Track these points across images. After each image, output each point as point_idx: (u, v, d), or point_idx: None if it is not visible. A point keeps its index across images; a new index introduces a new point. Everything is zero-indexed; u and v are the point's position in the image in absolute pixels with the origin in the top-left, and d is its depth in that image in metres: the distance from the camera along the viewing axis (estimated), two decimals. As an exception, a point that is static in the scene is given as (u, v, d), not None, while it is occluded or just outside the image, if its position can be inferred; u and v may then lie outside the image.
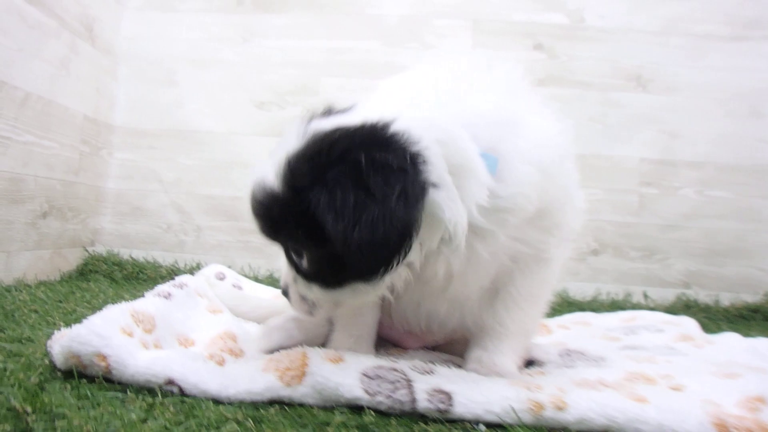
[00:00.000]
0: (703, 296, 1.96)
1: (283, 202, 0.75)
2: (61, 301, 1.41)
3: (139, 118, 2.06)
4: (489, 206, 0.77)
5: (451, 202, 0.74)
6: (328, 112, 0.83)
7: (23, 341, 1.00)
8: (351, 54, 2.02)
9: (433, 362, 0.86)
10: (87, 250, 1.96)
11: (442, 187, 0.74)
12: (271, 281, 1.84)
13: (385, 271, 0.74)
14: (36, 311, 1.26)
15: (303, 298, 0.86)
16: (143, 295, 1.06)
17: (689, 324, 1.36)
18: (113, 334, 0.83)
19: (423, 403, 0.73)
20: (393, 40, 2.03)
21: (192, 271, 1.63)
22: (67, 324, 1.16)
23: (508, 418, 0.71)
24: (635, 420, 0.69)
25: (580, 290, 1.95)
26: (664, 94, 2.03)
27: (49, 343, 0.88)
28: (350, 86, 2.01)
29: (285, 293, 0.88)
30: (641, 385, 0.83)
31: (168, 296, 1.05)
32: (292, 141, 0.77)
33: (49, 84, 1.69)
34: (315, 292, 0.82)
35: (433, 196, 0.73)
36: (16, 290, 1.47)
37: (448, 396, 0.74)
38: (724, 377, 0.86)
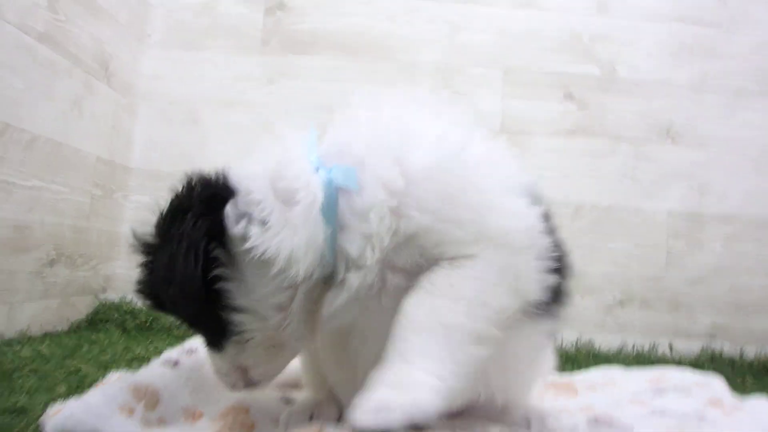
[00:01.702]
0: (728, 349, 1.92)
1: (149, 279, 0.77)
2: (66, 357, 1.33)
3: (158, 160, 2.02)
4: (348, 224, 0.70)
5: (271, 234, 0.68)
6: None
7: (16, 412, 0.91)
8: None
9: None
10: (98, 298, 1.89)
11: (255, 214, 0.70)
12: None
13: (218, 321, 0.73)
14: (36, 371, 1.19)
15: (219, 372, 0.81)
16: (148, 362, 0.97)
17: (717, 385, 1.29)
18: (111, 413, 0.76)
19: None
20: (424, 86, 1.99)
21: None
22: (69, 387, 1.08)
23: None
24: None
25: (606, 342, 1.90)
26: (695, 149, 1.99)
27: (42, 419, 0.81)
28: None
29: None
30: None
31: (176, 365, 0.96)
32: None
33: (59, 125, 1.66)
34: (214, 359, 0.80)
35: (241, 228, 0.69)
36: (17, 344, 1.39)
37: None
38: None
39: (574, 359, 1.71)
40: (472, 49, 2.01)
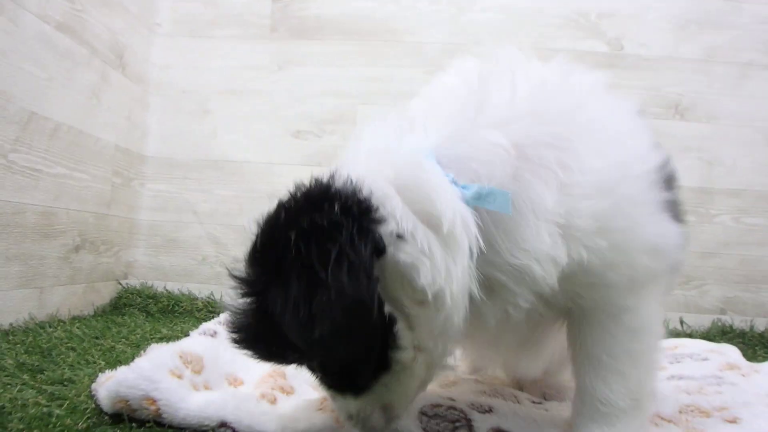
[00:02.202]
0: (739, 322, 1.95)
1: (257, 324, 0.60)
2: (98, 338, 1.38)
3: (172, 149, 2.05)
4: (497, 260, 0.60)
5: (424, 259, 0.57)
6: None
7: (65, 383, 0.97)
8: (390, 82, 2.01)
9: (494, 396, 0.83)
10: (121, 284, 1.94)
11: (409, 239, 0.57)
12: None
13: (369, 356, 0.59)
14: (73, 349, 1.23)
15: (350, 417, 0.68)
16: (188, 335, 1.01)
17: (732, 352, 1.34)
18: (162, 378, 0.80)
19: None
20: (433, 68, 1.99)
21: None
22: (107, 362, 1.13)
23: None
24: None
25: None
26: (704, 122, 2.01)
27: (93, 386, 0.85)
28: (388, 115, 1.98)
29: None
30: (697, 418, 0.83)
31: (214, 335, 1.00)
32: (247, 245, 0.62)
33: (80, 114, 1.69)
34: (352, 403, 0.66)
35: (396, 252, 0.57)
36: (50, 327, 1.45)
37: None
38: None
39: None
40: (477, 29, 2.03)
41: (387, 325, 0.59)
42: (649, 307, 0.69)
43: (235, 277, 0.61)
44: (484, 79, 0.69)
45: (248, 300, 0.60)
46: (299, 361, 0.65)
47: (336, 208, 0.57)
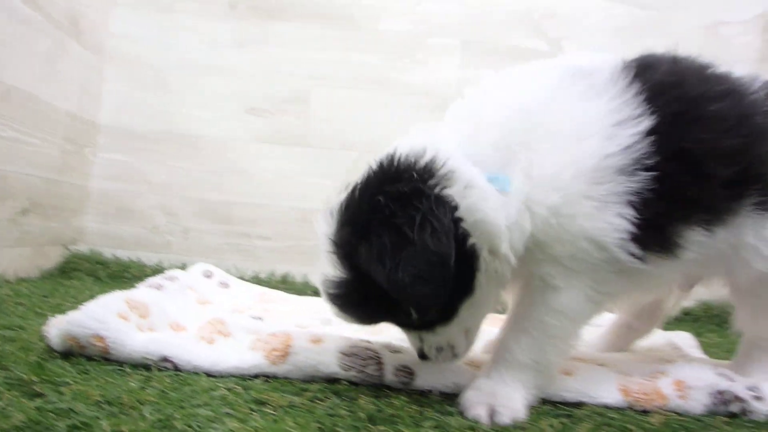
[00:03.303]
0: None
1: (354, 284, 0.75)
2: (46, 296, 1.43)
3: (127, 119, 2.09)
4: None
5: (485, 202, 0.76)
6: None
7: (14, 328, 1.02)
8: (346, 66, 2.10)
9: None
10: (69, 249, 1.96)
11: (471, 194, 0.76)
12: (257, 282, 1.89)
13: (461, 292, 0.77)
14: (22, 304, 1.28)
15: (440, 349, 0.84)
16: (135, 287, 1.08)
17: None
18: (110, 319, 0.89)
19: (389, 376, 0.86)
20: (388, 55, 2.11)
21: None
22: (56, 316, 1.18)
23: (457, 390, 0.84)
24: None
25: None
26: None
27: (44, 328, 0.92)
28: (342, 98, 2.08)
29: (422, 356, 0.85)
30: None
31: (159, 287, 1.09)
32: (324, 227, 0.78)
33: (34, 79, 1.73)
34: (443, 334, 0.82)
35: (468, 203, 0.75)
36: (-2, 285, 1.46)
37: (411, 372, 0.86)
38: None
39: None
40: (433, 20, 2.14)
41: (472, 255, 0.76)
42: (574, 293, 0.81)
43: (330, 241, 0.75)
44: (485, 96, 0.89)
45: (342, 265, 0.74)
46: (392, 316, 0.80)
47: (416, 177, 0.74)
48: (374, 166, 0.79)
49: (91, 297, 1.48)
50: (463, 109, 0.89)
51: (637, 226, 0.77)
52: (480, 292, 0.78)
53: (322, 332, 0.95)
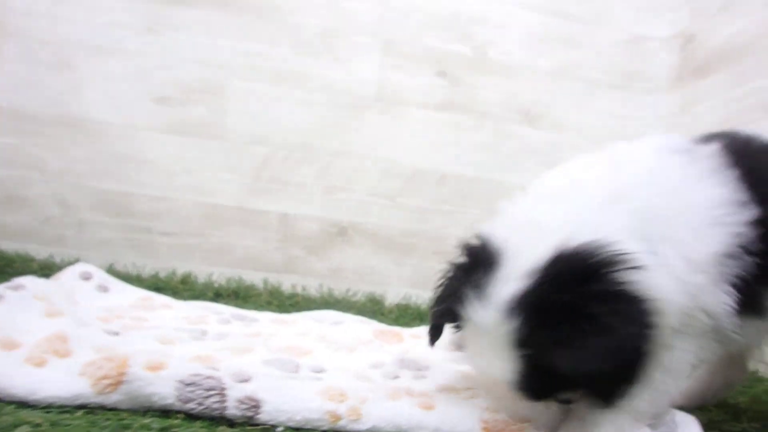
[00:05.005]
0: None
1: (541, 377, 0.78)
2: None
3: (24, 101, 1.96)
4: None
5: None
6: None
7: None
8: (263, 59, 2.02)
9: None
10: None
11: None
12: (155, 281, 1.81)
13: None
14: None
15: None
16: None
17: None
18: None
19: (232, 410, 0.81)
20: (307, 50, 2.04)
21: (68, 266, 1.54)
22: None
23: (307, 426, 0.82)
24: (418, 426, 0.83)
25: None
26: (550, 131, 2.18)
27: None
28: (258, 91, 2.01)
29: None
30: (438, 394, 0.94)
31: (0, 298, 0.99)
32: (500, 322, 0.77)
33: None
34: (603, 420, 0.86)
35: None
36: None
37: (258, 404, 0.82)
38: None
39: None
40: (355, 17, 2.10)
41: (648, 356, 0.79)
42: (682, 354, 0.88)
43: (516, 339, 0.77)
44: (619, 170, 0.92)
45: (529, 366, 0.77)
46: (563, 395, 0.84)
47: (608, 274, 0.76)
48: (550, 255, 0.78)
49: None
50: (584, 177, 0.93)
51: (738, 301, 0.85)
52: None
53: (169, 355, 0.90)
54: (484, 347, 0.79)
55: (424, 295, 2.03)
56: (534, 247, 0.80)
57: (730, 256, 0.85)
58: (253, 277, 1.97)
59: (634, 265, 0.76)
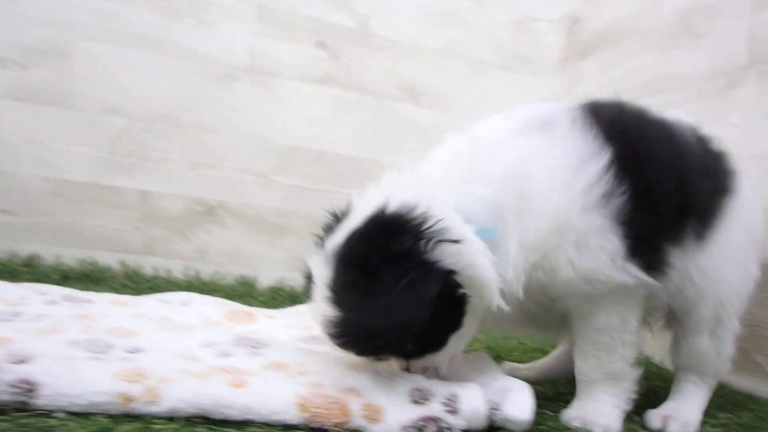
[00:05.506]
0: None
1: (348, 324, 0.80)
2: None
3: None
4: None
5: (477, 259, 0.81)
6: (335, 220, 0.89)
7: None
8: (119, 20, 1.84)
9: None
10: None
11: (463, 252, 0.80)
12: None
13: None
14: None
15: (425, 369, 0.92)
16: None
17: None
18: None
19: (2, 395, 0.71)
20: (170, 12, 1.87)
21: None
22: None
23: (94, 410, 0.73)
24: (225, 406, 0.76)
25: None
26: (435, 110, 2.14)
27: None
28: (111, 56, 1.82)
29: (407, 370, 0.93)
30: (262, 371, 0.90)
31: None
32: (322, 271, 0.82)
33: None
34: (431, 360, 0.90)
35: (461, 261, 0.80)
36: None
37: (33, 387, 0.72)
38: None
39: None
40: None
41: (462, 300, 0.83)
42: (607, 312, 0.91)
43: (328, 286, 0.80)
44: (471, 150, 0.94)
45: (338, 308, 0.79)
46: (389, 351, 0.87)
47: (409, 235, 0.79)
48: (366, 212, 0.83)
49: None
50: (449, 155, 0.95)
51: (629, 245, 0.87)
52: (467, 327, 0.87)
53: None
54: (315, 296, 0.83)
55: (299, 277, 1.92)
56: (365, 209, 0.84)
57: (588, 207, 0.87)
58: (109, 259, 1.79)
59: (446, 238, 0.79)
